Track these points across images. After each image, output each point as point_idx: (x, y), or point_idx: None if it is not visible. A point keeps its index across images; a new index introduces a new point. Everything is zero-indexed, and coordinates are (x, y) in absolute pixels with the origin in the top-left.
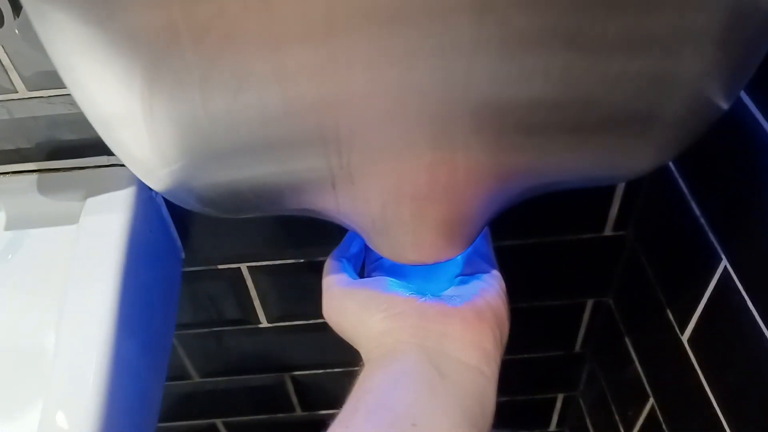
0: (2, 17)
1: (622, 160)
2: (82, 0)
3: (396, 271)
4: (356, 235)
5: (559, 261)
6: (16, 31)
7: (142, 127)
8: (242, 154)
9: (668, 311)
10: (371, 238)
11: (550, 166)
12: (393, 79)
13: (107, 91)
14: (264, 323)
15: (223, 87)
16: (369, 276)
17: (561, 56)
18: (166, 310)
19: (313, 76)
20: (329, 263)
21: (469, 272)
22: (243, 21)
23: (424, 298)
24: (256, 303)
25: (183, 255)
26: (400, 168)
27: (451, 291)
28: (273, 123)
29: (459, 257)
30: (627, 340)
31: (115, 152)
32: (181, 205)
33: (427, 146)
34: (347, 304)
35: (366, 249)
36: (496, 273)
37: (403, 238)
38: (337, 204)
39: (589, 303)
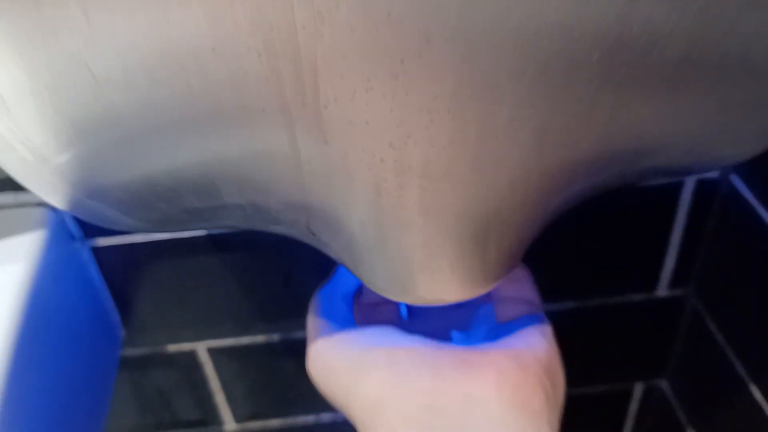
0: None
1: (724, 133)
2: None
3: (404, 319)
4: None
5: (597, 332)
6: None
7: None
8: (139, 91)
9: (753, 390)
10: (360, 262)
11: (643, 125)
12: None
13: None
14: (230, 424)
15: None
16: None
17: None
18: (90, 408)
19: None
20: (314, 305)
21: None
22: None
23: (438, 346)
24: (219, 397)
25: (122, 333)
26: (403, 105)
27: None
28: (173, 6)
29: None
30: None
31: None
32: (98, 222)
33: (450, 57)
34: (335, 363)
35: (364, 287)
36: (540, 314)
37: (407, 254)
38: (303, 192)
39: (638, 387)
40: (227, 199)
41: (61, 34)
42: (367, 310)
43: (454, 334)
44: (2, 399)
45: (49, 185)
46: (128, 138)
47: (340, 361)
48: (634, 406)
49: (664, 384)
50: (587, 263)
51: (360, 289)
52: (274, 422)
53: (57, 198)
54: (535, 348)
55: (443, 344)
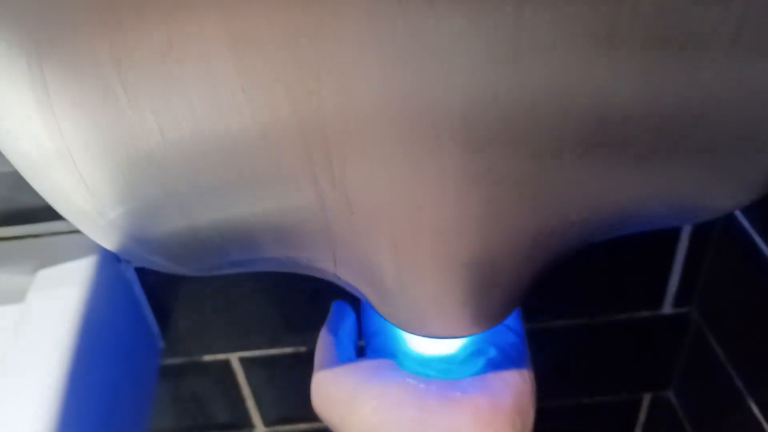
0: None
1: (716, 186)
2: None
3: (396, 349)
4: (345, 304)
5: (608, 347)
6: None
7: (51, 144)
8: (191, 167)
9: (751, 403)
10: (381, 302)
11: (624, 191)
12: (404, 38)
13: (10, 111)
14: (259, 427)
15: (147, 40)
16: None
17: (643, 56)
18: (135, 412)
19: (280, 28)
20: (320, 340)
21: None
22: None
23: (426, 382)
24: (250, 402)
25: (161, 344)
26: (417, 186)
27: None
28: (226, 105)
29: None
30: None
31: (54, 206)
32: (145, 264)
33: (456, 150)
34: (333, 392)
35: (364, 320)
36: (521, 348)
37: (422, 297)
38: (333, 247)
39: (646, 398)
40: (266, 253)
41: (138, 140)
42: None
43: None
44: (63, 400)
45: (103, 234)
46: (179, 202)
47: (338, 392)
48: (642, 415)
49: (670, 395)
50: (599, 283)
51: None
52: (301, 426)
53: (110, 244)
54: (510, 386)
55: (429, 380)
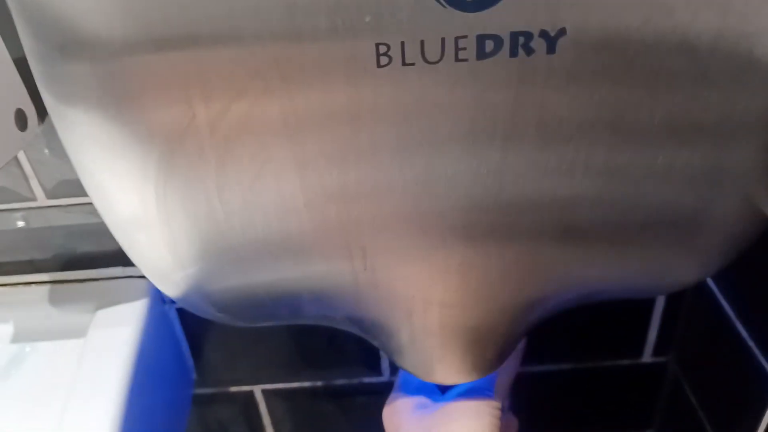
0: (25, 121)
1: (665, 269)
2: (99, 96)
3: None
4: None
5: (593, 391)
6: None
7: (157, 226)
8: (260, 254)
9: None
10: (396, 352)
11: (590, 272)
12: (421, 172)
13: (124, 189)
14: None
15: (240, 175)
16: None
17: (603, 146)
18: None
19: (335, 165)
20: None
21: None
22: (262, 104)
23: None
24: (269, 430)
25: (194, 376)
26: (428, 270)
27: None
28: (292, 216)
29: None
30: None
31: (131, 257)
32: (195, 312)
33: (458, 246)
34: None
35: None
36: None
37: (430, 352)
38: (359, 311)
39: None
40: (306, 313)
41: (224, 234)
42: None
43: None
44: (120, 423)
45: (173, 287)
46: (236, 256)
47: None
48: None
49: None
50: (586, 333)
51: None
52: None
53: (174, 293)
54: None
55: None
